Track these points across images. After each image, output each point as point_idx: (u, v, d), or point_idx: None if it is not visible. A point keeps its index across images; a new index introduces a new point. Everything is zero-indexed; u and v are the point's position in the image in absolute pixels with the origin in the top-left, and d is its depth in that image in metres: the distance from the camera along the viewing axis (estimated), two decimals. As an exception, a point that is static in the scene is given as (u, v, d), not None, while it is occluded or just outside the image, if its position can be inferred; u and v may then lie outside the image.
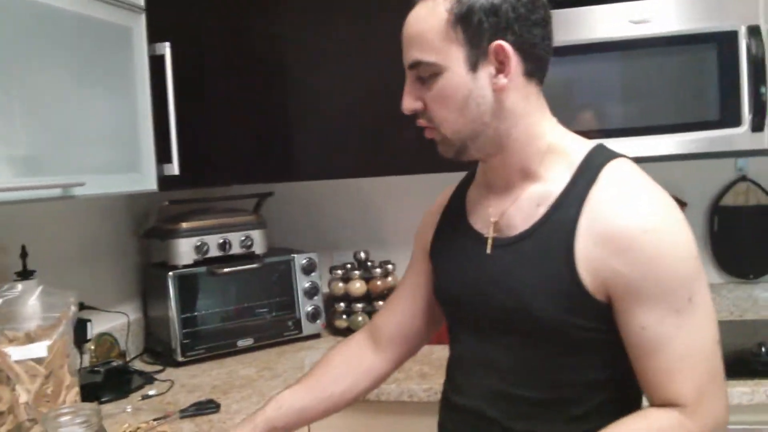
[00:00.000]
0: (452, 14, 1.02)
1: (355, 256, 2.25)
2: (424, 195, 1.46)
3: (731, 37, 1.71)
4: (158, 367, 1.96)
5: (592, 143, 1.10)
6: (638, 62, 1.79)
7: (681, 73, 1.77)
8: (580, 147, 1.08)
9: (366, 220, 2.39)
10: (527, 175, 1.08)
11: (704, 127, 1.76)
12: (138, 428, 1.40)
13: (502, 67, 1.03)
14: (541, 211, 1.05)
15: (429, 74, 1.05)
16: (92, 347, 1.90)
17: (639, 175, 1.04)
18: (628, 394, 1.07)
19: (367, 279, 2.20)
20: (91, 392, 1.66)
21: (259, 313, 2.13)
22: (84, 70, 1.50)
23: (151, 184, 1.71)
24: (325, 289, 2.27)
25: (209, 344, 2.01)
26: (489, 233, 1.11)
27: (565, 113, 1.69)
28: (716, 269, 2.16)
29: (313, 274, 2.20)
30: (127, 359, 2.00)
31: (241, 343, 2.06)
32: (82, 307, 1.80)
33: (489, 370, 1.11)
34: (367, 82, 1.95)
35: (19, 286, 1.55)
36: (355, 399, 1.28)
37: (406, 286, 1.30)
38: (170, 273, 1.99)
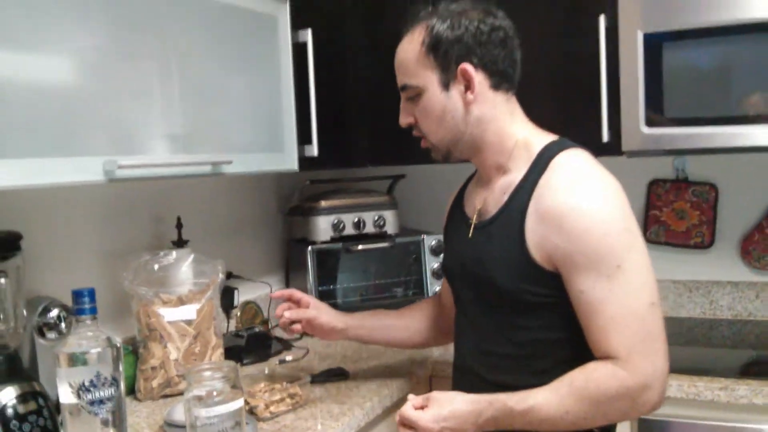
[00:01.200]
0: (425, 45, 1.27)
1: (485, 238, 2.29)
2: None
3: None
4: (296, 335, 2.10)
5: (552, 138, 1.29)
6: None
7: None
8: (540, 142, 1.28)
9: None
10: (499, 168, 1.31)
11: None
12: (273, 388, 1.52)
13: (468, 85, 1.26)
14: (505, 198, 1.27)
15: (414, 95, 1.30)
16: (238, 313, 2.07)
17: (584, 164, 1.23)
18: (585, 352, 1.20)
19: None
20: (234, 354, 1.81)
21: (390, 290, 2.22)
22: (233, 57, 1.64)
23: (292, 164, 1.83)
24: (454, 271, 2.33)
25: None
26: (473, 218, 1.34)
27: (725, 99, 1.70)
28: None
29: (441, 255, 2.26)
30: (269, 327, 2.16)
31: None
32: (229, 276, 1.96)
33: (473, 332, 1.35)
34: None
35: (174, 254, 1.73)
36: (418, 345, 1.67)
37: None
38: (309, 248, 2.13)
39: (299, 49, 1.82)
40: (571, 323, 1.22)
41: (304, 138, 1.86)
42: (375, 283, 2.21)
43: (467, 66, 1.25)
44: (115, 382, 1.18)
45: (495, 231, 1.28)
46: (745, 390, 1.55)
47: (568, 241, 1.17)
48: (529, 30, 1.49)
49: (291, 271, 2.33)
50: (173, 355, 1.62)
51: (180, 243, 1.78)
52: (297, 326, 1.55)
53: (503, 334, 1.28)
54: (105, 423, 1.18)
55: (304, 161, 1.87)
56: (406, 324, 1.63)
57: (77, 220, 1.69)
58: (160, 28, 1.43)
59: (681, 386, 1.59)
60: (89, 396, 1.15)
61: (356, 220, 2.19)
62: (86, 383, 1.15)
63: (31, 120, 1.19)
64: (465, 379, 1.36)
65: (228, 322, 2.01)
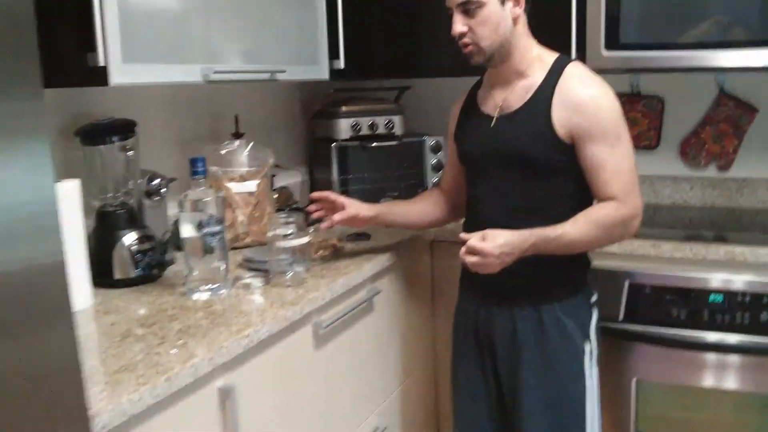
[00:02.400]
0: None
1: (475, 140, 2.79)
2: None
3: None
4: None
5: (555, 53, 1.73)
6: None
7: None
8: (549, 55, 1.72)
9: None
10: (520, 74, 1.72)
11: (763, 45, 2.11)
12: (318, 240, 2.03)
13: (517, 2, 1.66)
14: (529, 95, 1.69)
15: (476, 7, 1.63)
16: (275, 196, 2.57)
17: (588, 71, 1.70)
18: (583, 206, 1.67)
19: (483, 158, 2.74)
20: (279, 223, 2.32)
21: (397, 181, 2.72)
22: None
23: (325, 74, 2.30)
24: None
25: (359, 199, 2.63)
26: (495, 113, 1.74)
27: (660, 25, 2.16)
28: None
29: (439, 153, 2.75)
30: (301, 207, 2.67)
31: (383, 200, 2.67)
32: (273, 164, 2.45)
33: (498, 196, 1.74)
34: None
35: (236, 143, 2.21)
36: (428, 225, 2.07)
37: (448, 161, 2.02)
38: (333, 144, 2.62)
39: (332, -19, 2.27)
40: (578, 181, 1.67)
41: (333, 53, 2.32)
42: (385, 173, 2.71)
43: None
44: (220, 221, 1.69)
45: (522, 119, 1.69)
46: (682, 251, 2.04)
47: (586, 119, 1.62)
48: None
49: (314, 164, 2.82)
50: (240, 217, 2.13)
51: (238, 135, 2.27)
52: (325, 224, 1.91)
53: (525, 191, 1.70)
54: (213, 250, 1.68)
55: (334, 72, 2.34)
56: (420, 208, 2.02)
57: (165, 114, 2.17)
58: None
59: (642, 246, 2.07)
60: (205, 230, 1.66)
61: (370, 122, 2.67)
62: (203, 221, 1.66)
63: (153, 36, 1.65)
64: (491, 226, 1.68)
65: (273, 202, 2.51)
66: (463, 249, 1.58)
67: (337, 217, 1.90)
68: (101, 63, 1.51)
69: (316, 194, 1.96)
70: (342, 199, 1.93)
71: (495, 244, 1.56)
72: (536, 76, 1.70)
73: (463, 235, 1.60)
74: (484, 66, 1.74)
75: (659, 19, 2.24)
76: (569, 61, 1.72)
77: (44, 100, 1.70)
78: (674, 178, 2.65)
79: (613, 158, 1.63)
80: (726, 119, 2.54)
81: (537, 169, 1.69)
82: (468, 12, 1.65)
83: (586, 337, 1.74)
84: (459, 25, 1.66)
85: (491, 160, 1.76)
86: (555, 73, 1.68)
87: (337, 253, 2.02)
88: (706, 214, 2.54)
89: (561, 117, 1.65)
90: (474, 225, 1.73)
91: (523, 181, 1.71)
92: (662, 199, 2.68)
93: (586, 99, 1.64)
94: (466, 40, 1.67)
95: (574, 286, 1.76)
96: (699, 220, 2.48)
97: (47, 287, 0.96)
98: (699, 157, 2.61)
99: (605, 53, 2.26)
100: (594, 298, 1.80)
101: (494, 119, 1.74)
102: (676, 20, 2.22)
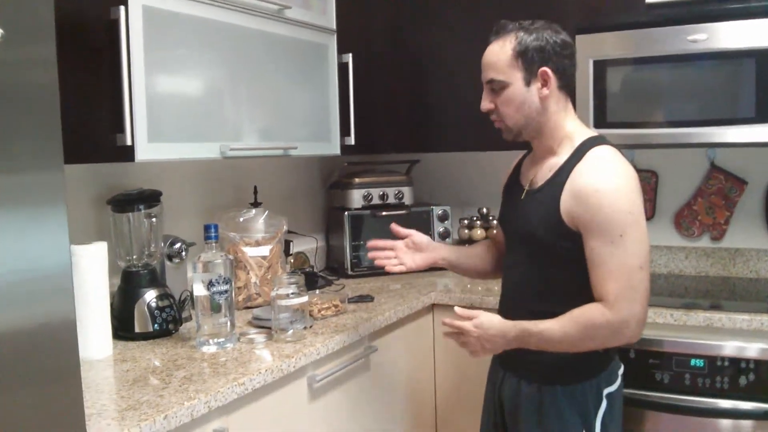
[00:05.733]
0: (515, 51, 1.64)
1: (479, 210, 2.97)
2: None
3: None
4: (334, 277, 2.80)
5: (591, 133, 1.69)
6: (698, 70, 2.33)
7: (731, 79, 2.29)
8: (582, 136, 1.67)
9: (487, 183, 3.00)
10: (551, 151, 1.69)
11: (749, 122, 2.27)
12: (322, 300, 2.21)
13: (545, 84, 1.64)
14: (550, 174, 1.66)
15: (499, 87, 1.66)
16: (291, 260, 2.77)
17: (609, 157, 1.60)
18: (589, 294, 1.58)
19: (486, 227, 2.92)
20: (292, 285, 2.51)
21: (406, 247, 2.90)
22: (296, 74, 2.32)
23: (336, 150, 2.52)
24: (455, 235, 3.01)
25: (369, 265, 2.81)
26: (526, 187, 1.74)
27: (646, 107, 2.33)
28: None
29: (446, 222, 2.94)
30: (315, 270, 2.86)
31: (392, 266, 2.85)
32: (287, 231, 2.66)
33: (516, 270, 1.77)
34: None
35: (253, 211, 2.43)
36: (483, 275, 2.04)
37: None
38: (346, 213, 2.83)
39: (343, 68, 2.51)
40: (582, 272, 1.58)
41: (344, 131, 2.54)
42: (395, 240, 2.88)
43: (547, 69, 1.62)
44: (228, 281, 1.88)
45: (540, 198, 1.65)
46: (680, 317, 2.13)
47: (587, 212, 1.54)
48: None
49: (330, 231, 3.02)
50: (253, 279, 2.33)
51: (256, 204, 2.49)
52: (401, 267, 1.92)
53: (538, 274, 1.68)
54: (221, 308, 1.87)
55: (345, 148, 2.55)
56: (478, 254, 2.02)
57: (190, 185, 2.41)
58: (250, 60, 2.12)
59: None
60: (214, 288, 1.86)
61: (381, 193, 2.87)
62: (213, 280, 1.86)
63: (176, 119, 1.88)
64: (506, 302, 1.79)
65: (286, 265, 2.71)
66: (447, 320, 1.69)
67: (400, 267, 1.92)
68: (128, 143, 1.74)
69: (399, 230, 2.01)
70: (421, 240, 1.98)
71: (475, 324, 1.63)
72: (563, 156, 1.65)
73: (458, 310, 1.68)
74: (517, 142, 1.74)
75: (645, 99, 2.41)
76: (598, 143, 1.64)
77: (78, 173, 1.95)
78: (669, 248, 2.78)
79: (612, 257, 1.53)
80: (717, 192, 2.68)
81: (545, 252, 1.65)
82: (494, 90, 1.67)
83: (588, 427, 1.65)
84: (485, 102, 1.70)
85: (515, 234, 1.77)
86: (577, 156, 1.62)
87: (340, 311, 2.19)
88: (701, 282, 2.64)
89: (567, 203, 1.59)
90: (501, 292, 1.83)
91: (534, 262, 1.68)
92: (658, 269, 2.79)
93: (589, 190, 1.55)
94: (493, 117, 1.71)
95: (582, 373, 1.66)
96: (694, 289, 2.59)
97: (59, 344, 1.10)
98: (692, 228, 2.73)
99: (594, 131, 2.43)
100: (610, 389, 1.68)
101: (524, 193, 1.74)
102: (662, 99, 2.39)
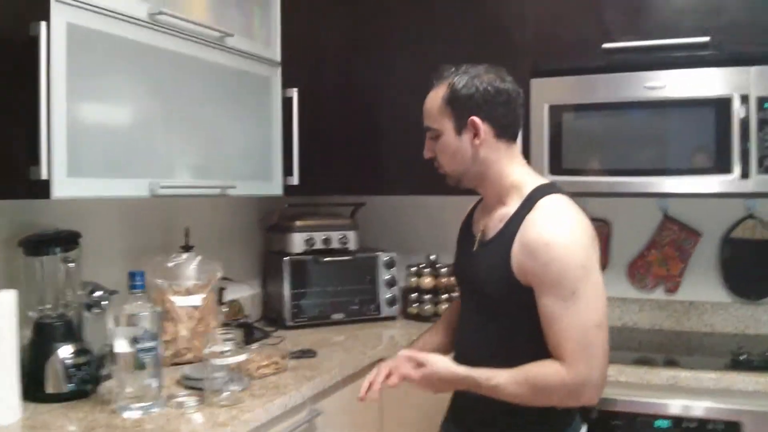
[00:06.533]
0: (445, 99, 1.60)
1: (427, 257, 2.83)
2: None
3: (726, 102, 2.17)
4: (272, 328, 2.59)
5: (541, 180, 1.62)
6: (654, 118, 2.27)
7: (687, 128, 2.24)
8: (532, 183, 1.59)
9: (436, 229, 2.90)
10: (499, 201, 1.62)
11: (704, 172, 2.22)
12: (260, 357, 2.00)
13: (476, 132, 1.58)
14: (501, 225, 1.58)
15: (434, 135, 1.64)
16: (225, 309, 2.54)
17: (561, 207, 1.53)
18: (544, 349, 1.50)
19: (435, 276, 2.77)
20: (225, 337, 2.29)
21: (349, 296, 2.72)
22: (236, 106, 2.15)
23: (278, 190, 2.34)
24: (401, 283, 2.85)
25: (310, 315, 2.64)
26: (477, 236, 1.67)
27: (601, 154, 2.24)
28: (726, 290, 2.57)
29: (392, 269, 2.78)
30: (250, 320, 2.64)
31: (335, 316, 2.66)
32: (221, 277, 2.44)
33: (467, 322, 1.70)
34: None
35: (184, 256, 2.21)
36: None
37: None
38: (285, 258, 2.63)
39: (287, 103, 2.34)
40: (534, 328, 1.50)
41: (287, 170, 2.37)
42: (338, 289, 2.71)
43: (475, 118, 1.57)
44: (156, 337, 1.66)
45: (491, 250, 1.58)
46: (634, 375, 2.03)
47: (537, 267, 1.47)
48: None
49: (267, 278, 2.82)
50: (183, 332, 2.10)
51: (187, 248, 2.27)
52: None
53: (489, 328, 1.61)
54: (146, 367, 1.65)
55: (287, 188, 2.38)
56: (443, 338, 1.87)
57: (115, 225, 2.18)
58: (186, 89, 1.93)
59: None
60: (139, 345, 1.63)
61: (324, 237, 2.70)
62: (138, 336, 1.63)
63: (101, 151, 1.67)
64: (459, 353, 1.70)
65: (219, 316, 2.49)
66: (392, 378, 1.61)
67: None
68: (44, 176, 1.52)
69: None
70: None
71: (423, 374, 1.56)
72: (512, 206, 1.58)
73: (405, 353, 1.63)
74: (462, 189, 1.70)
75: (601, 146, 2.33)
76: (550, 191, 1.57)
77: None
78: (623, 299, 2.68)
79: (565, 316, 1.45)
80: (671, 243, 2.61)
81: (498, 306, 1.59)
82: (432, 138, 1.65)
83: None
84: (426, 150, 1.68)
85: (466, 286, 1.73)
86: (527, 205, 1.55)
87: (280, 370, 1.98)
88: (654, 336, 2.55)
89: (518, 256, 1.51)
90: (456, 341, 1.77)
91: (485, 315, 1.63)
92: (612, 321, 2.69)
93: (539, 243, 1.47)
94: (435, 163, 1.68)
95: (544, 426, 1.59)
96: (648, 343, 2.49)
97: None
98: (646, 280, 2.65)
99: (549, 178, 2.33)
100: None
101: (476, 244, 1.67)
102: (617, 146, 2.31)
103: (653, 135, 2.28)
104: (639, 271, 2.67)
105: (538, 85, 2.36)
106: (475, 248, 1.66)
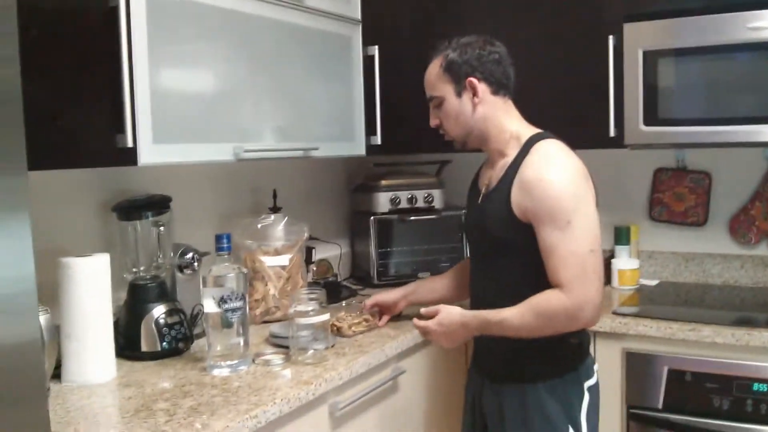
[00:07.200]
0: (442, 67, 1.75)
1: (515, 214, 2.77)
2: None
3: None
4: (360, 287, 2.62)
5: (537, 131, 1.73)
6: (758, 61, 2.11)
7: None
8: (527, 133, 1.72)
9: None
10: (501, 153, 1.75)
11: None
12: (351, 315, 2.03)
13: (474, 91, 1.72)
14: (502, 174, 1.71)
15: (437, 103, 1.77)
16: (314, 268, 2.59)
17: (554, 149, 1.67)
18: (545, 285, 1.61)
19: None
20: (314, 296, 2.33)
21: (436, 254, 2.71)
22: (317, 67, 2.15)
23: (361, 151, 2.34)
24: (489, 240, 2.81)
25: (396, 272, 2.65)
26: (483, 190, 1.78)
27: (700, 102, 2.11)
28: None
29: (480, 226, 2.74)
30: (339, 279, 2.68)
31: (422, 275, 2.66)
32: (308, 237, 2.48)
33: (477, 271, 1.83)
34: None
35: (272, 217, 2.26)
36: (459, 297, 2.02)
37: None
38: (372, 218, 2.64)
39: (368, 61, 2.33)
40: (537, 264, 1.62)
41: (370, 130, 2.36)
42: (423, 247, 2.70)
43: (472, 78, 1.72)
44: (243, 297, 1.71)
45: (494, 197, 1.71)
46: (733, 336, 1.93)
47: (534, 202, 1.61)
48: (554, 48, 2.04)
49: (354, 237, 2.84)
50: (272, 291, 2.15)
51: (275, 209, 2.31)
52: (383, 322, 2.06)
53: (499, 271, 1.72)
54: (233, 326, 1.70)
55: (370, 148, 2.37)
56: (445, 283, 2.07)
57: (204, 189, 2.24)
58: (266, 52, 1.96)
59: (682, 329, 2.00)
60: (226, 305, 1.68)
61: (410, 196, 2.68)
62: (225, 296, 1.68)
63: (184, 117, 1.72)
64: (474, 302, 1.83)
65: (306, 275, 2.53)
66: (414, 321, 1.80)
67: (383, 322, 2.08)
68: (130, 144, 1.57)
69: (368, 306, 2.11)
70: (389, 302, 2.10)
71: (436, 322, 1.74)
72: (512, 155, 1.71)
73: (423, 310, 1.80)
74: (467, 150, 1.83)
75: (700, 93, 2.20)
76: (542, 138, 1.70)
77: (79, 178, 1.79)
78: (724, 256, 2.55)
79: (563, 243, 1.58)
80: (777, 195, 2.45)
81: (502, 248, 1.70)
82: (436, 107, 1.78)
83: (573, 421, 1.67)
84: (432, 119, 1.81)
85: (474, 235, 1.84)
86: (524, 151, 1.68)
87: (371, 327, 2.01)
88: (757, 294, 2.42)
89: (516, 196, 1.65)
90: (470, 297, 1.89)
91: (495, 259, 1.74)
92: (712, 279, 2.58)
93: (534, 181, 1.62)
94: (441, 131, 1.81)
95: (561, 367, 1.69)
96: (750, 302, 2.36)
97: (23, 366, 0.96)
98: (749, 235, 2.51)
99: (644, 129, 2.23)
100: (590, 382, 1.72)
101: (481, 196, 1.79)
102: (718, 94, 2.17)
103: (757, 80, 2.11)
104: (741, 225, 2.52)
105: (631, 29, 2.23)
106: (480, 200, 1.78)
